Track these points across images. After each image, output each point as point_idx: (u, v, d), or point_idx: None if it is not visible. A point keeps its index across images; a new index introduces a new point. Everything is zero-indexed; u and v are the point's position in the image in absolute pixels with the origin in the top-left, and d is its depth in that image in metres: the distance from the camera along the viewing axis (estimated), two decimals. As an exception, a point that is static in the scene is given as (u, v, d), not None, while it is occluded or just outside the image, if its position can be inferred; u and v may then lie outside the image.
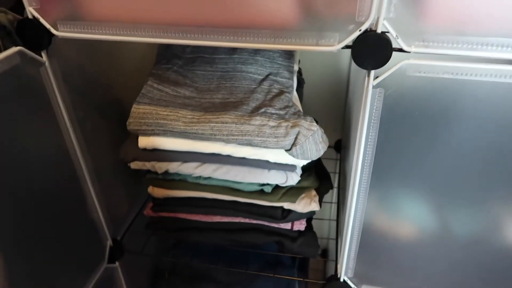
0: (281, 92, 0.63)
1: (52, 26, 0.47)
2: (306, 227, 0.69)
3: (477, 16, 0.37)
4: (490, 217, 0.53)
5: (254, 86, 0.64)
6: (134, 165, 0.67)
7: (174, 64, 0.67)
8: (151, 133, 0.61)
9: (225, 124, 0.58)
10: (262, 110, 0.59)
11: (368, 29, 0.40)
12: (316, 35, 0.41)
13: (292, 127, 0.57)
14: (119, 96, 0.70)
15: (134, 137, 0.65)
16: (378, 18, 0.39)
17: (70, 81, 0.56)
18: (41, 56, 0.49)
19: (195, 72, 0.67)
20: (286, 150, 0.58)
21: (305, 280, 0.72)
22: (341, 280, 0.63)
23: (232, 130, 0.57)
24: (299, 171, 0.64)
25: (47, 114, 0.54)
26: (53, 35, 0.47)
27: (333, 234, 0.76)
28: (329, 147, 0.96)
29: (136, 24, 0.45)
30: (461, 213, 0.54)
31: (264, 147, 0.58)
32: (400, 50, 0.40)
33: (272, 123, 0.57)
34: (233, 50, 0.69)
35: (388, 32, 0.40)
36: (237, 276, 0.85)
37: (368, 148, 0.49)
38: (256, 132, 0.57)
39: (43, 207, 0.54)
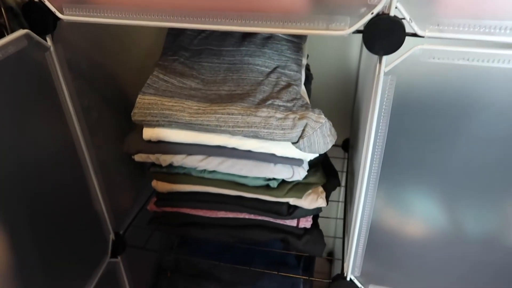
0: (288, 85, 0.61)
1: (58, 10, 0.46)
2: (312, 225, 0.67)
3: (495, -1, 0.36)
4: (506, 215, 0.51)
5: (261, 79, 0.63)
6: (138, 157, 0.66)
7: (180, 56, 0.66)
8: (156, 124, 0.60)
9: (231, 116, 0.56)
10: (269, 102, 0.58)
11: (381, 12, 0.38)
12: (326, 19, 0.40)
13: (300, 119, 0.55)
14: (125, 87, 0.70)
15: (138, 129, 0.64)
16: (391, 0, 0.38)
17: (75, 68, 0.55)
18: (46, 41, 0.49)
19: (201, 64, 0.66)
20: (293, 143, 0.57)
21: (310, 278, 0.70)
22: (348, 279, 0.61)
23: (238, 121, 0.56)
24: (306, 166, 0.63)
25: (52, 102, 0.53)
26: (58, 19, 0.47)
27: (339, 233, 0.75)
28: (336, 146, 0.96)
29: (143, 8, 0.44)
30: (475, 210, 0.52)
31: (271, 139, 0.56)
32: (414, 35, 0.39)
33: (279, 115, 0.56)
34: (241, 42, 0.68)
35: (403, 18, 0.38)
36: (240, 275, 0.84)
37: (378, 140, 0.48)
38: (262, 124, 0.56)
39: (45, 196, 0.53)
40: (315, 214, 0.67)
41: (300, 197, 0.63)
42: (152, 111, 0.59)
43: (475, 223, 0.53)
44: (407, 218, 0.56)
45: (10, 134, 0.45)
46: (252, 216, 0.67)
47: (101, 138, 0.65)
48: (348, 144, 0.95)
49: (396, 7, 0.38)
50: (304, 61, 0.69)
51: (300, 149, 0.56)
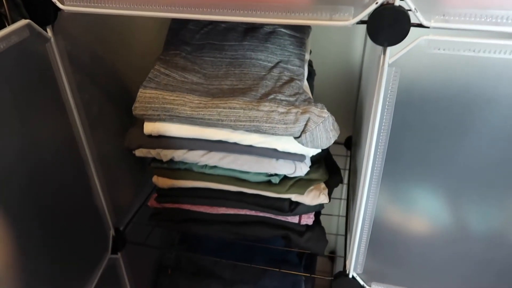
0: (291, 79, 0.61)
1: (58, 0, 0.45)
2: (314, 222, 0.66)
3: (502, -12, 0.35)
4: (511, 212, 0.50)
5: (264, 73, 0.62)
6: (139, 152, 0.66)
7: (182, 50, 0.66)
8: (157, 119, 0.60)
9: (232, 110, 0.56)
10: (271, 96, 0.57)
11: (385, 2, 0.38)
12: (329, 9, 0.39)
13: (302, 113, 0.55)
14: (126, 82, 0.69)
15: (139, 124, 0.64)
16: (396, -10, 0.37)
17: (76, 61, 0.55)
18: (47, 32, 0.48)
19: (203, 59, 0.66)
20: (295, 138, 0.56)
21: (312, 276, 0.69)
22: (350, 276, 0.60)
23: (240, 115, 0.56)
24: (308, 162, 0.62)
25: (52, 94, 0.52)
26: (59, 9, 0.46)
27: (341, 231, 0.74)
28: (339, 143, 0.95)
29: (144, -2, 0.44)
30: (479, 207, 0.51)
31: (273, 133, 0.56)
32: (419, 25, 0.38)
33: (281, 109, 0.55)
34: (243, 37, 0.68)
35: (408, 10, 0.38)
36: (242, 273, 0.83)
37: (381, 134, 0.47)
38: (264, 118, 0.55)
39: (45, 190, 0.52)
40: (317, 211, 0.66)
41: (302, 193, 0.62)
42: (153, 105, 0.58)
43: (479, 220, 0.53)
44: (410, 215, 0.55)
45: (11, 126, 0.44)
46: (253, 213, 0.67)
47: (102, 133, 0.64)
48: (351, 142, 0.95)
49: (401, -3, 0.37)
50: (307, 57, 0.68)
51: (303, 144, 0.56)
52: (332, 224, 0.96)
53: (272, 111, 0.55)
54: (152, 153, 0.65)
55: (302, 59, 0.65)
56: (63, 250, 0.56)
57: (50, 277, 0.53)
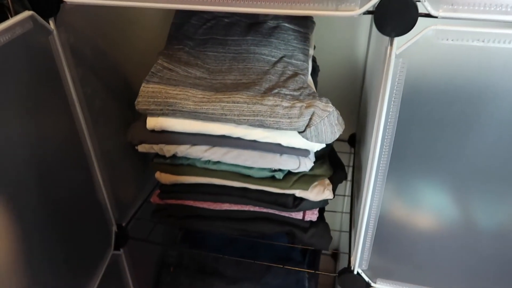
0: (295, 74, 0.60)
1: (61, -9, 0.45)
2: (318, 218, 0.66)
3: (513, -24, 0.34)
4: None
5: (267, 68, 0.62)
6: (142, 148, 0.65)
7: (185, 45, 0.65)
8: (159, 113, 0.59)
9: (236, 104, 0.55)
10: (275, 90, 0.57)
11: (393, -8, 0.37)
12: (336, -1, 0.39)
13: (307, 107, 0.54)
14: (128, 77, 0.69)
15: (142, 119, 0.63)
16: (403, -21, 0.36)
17: (79, 54, 0.54)
18: (49, 24, 0.48)
19: (206, 54, 0.65)
20: (300, 132, 0.55)
21: (316, 272, 0.69)
22: (355, 272, 0.59)
23: (243, 110, 0.55)
24: (312, 157, 0.61)
25: (55, 88, 0.52)
26: (61, 1, 0.46)
27: (345, 228, 0.73)
28: (342, 141, 0.95)
29: (147, -11, 0.43)
30: (487, 202, 0.51)
31: (277, 128, 0.55)
32: (427, 15, 0.37)
33: (285, 104, 0.55)
34: (247, 32, 0.67)
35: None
36: (245, 271, 0.82)
37: (388, 128, 0.46)
38: (268, 113, 0.54)
39: (47, 185, 0.51)
40: (322, 206, 0.65)
41: (306, 189, 0.62)
42: (156, 99, 0.58)
43: (487, 216, 0.52)
44: (416, 211, 0.55)
45: (13, 120, 0.44)
46: (257, 209, 0.66)
47: (105, 128, 0.64)
48: (354, 139, 0.94)
49: (408, -14, 0.36)
50: (311, 52, 0.67)
51: (307, 139, 0.55)
52: (335, 221, 0.95)
53: (276, 105, 0.55)
54: (155, 148, 0.64)
55: (306, 54, 0.65)
56: (66, 246, 0.56)
57: (52, 273, 0.53)
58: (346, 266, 0.62)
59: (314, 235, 0.65)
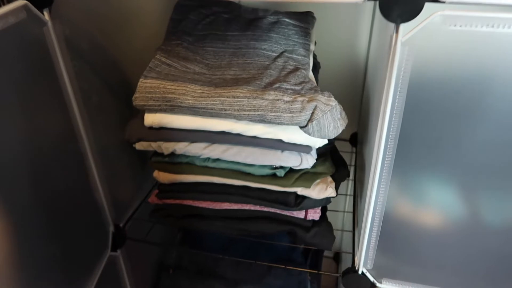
0: (296, 69, 0.59)
1: (55, -19, 0.44)
2: (320, 217, 0.64)
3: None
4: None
5: (268, 63, 0.60)
6: (139, 145, 0.64)
7: (184, 41, 0.64)
8: (158, 109, 0.58)
9: (236, 99, 0.54)
10: (276, 85, 0.55)
11: (398, -24, 0.36)
12: (339, -15, 0.37)
13: (309, 101, 0.53)
14: (126, 73, 0.67)
15: (140, 116, 0.62)
16: (409, -37, 0.35)
17: (74, 47, 0.53)
18: (43, 15, 0.46)
19: (205, 49, 0.64)
20: (302, 127, 0.54)
21: (320, 272, 0.67)
22: (360, 272, 0.57)
23: (244, 104, 0.54)
24: (314, 154, 0.60)
25: (50, 82, 0.50)
26: (56, -8, 0.45)
27: (347, 227, 0.71)
28: (344, 140, 0.93)
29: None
30: (497, 199, 0.49)
31: (278, 123, 0.53)
32: (434, 0, 0.36)
33: (286, 98, 0.53)
34: (246, 27, 0.66)
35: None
36: (245, 272, 0.81)
37: (393, 120, 0.45)
38: (269, 107, 0.53)
39: (42, 183, 0.50)
40: (324, 205, 0.64)
41: (309, 187, 0.60)
42: (154, 95, 0.57)
43: (495, 213, 0.50)
44: (423, 208, 0.53)
45: (7, 115, 0.42)
46: (257, 208, 0.64)
47: (102, 126, 0.62)
48: (356, 138, 0.93)
49: (415, -30, 0.35)
50: (312, 47, 0.66)
51: (309, 134, 0.54)
52: (337, 221, 0.93)
53: (277, 100, 0.53)
54: (153, 146, 0.63)
55: (307, 49, 0.63)
56: (62, 247, 0.54)
57: (47, 275, 0.51)
58: (349, 266, 0.60)
59: (317, 234, 0.63)
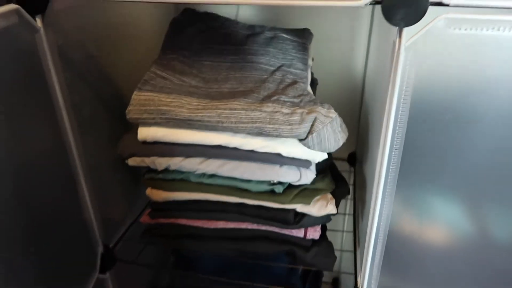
0: (294, 82, 0.58)
1: (48, -12, 0.43)
2: (320, 236, 0.61)
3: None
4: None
5: (266, 76, 0.59)
6: (132, 161, 0.61)
7: (180, 55, 0.63)
8: (152, 122, 0.56)
9: (233, 111, 0.52)
10: (275, 97, 0.54)
11: (401, -21, 0.35)
12: (341, -11, 0.37)
13: (308, 113, 0.51)
14: (120, 88, 0.65)
15: (133, 131, 0.60)
16: (412, -35, 0.35)
17: (67, 58, 0.51)
18: (36, 22, 0.45)
19: (202, 63, 0.63)
20: (301, 140, 0.52)
21: (321, 294, 0.63)
22: (363, 293, 0.54)
23: (241, 117, 0.52)
24: (313, 169, 0.58)
25: (40, 92, 0.48)
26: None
27: (347, 247, 0.68)
28: (342, 160, 0.91)
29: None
30: (506, 214, 0.47)
31: (277, 135, 0.52)
32: (438, 4, 0.35)
33: (285, 110, 0.52)
34: (243, 42, 0.65)
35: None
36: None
37: (398, 130, 0.43)
38: (268, 119, 0.51)
39: (28, 199, 0.47)
40: (324, 223, 0.61)
41: (308, 203, 0.58)
42: (148, 107, 0.55)
43: (505, 228, 0.48)
44: (429, 224, 0.51)
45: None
46: (255, 226, 0.62)
47: (93, 140, 0.60)
48: (354, 157, 0.91)
49: (418, -27, 0.35)
50: (310, 62, 0.66)
51: (309, 147, 0.52)
52: (336, 241, 0.90)
53: (276, 112, 0.52)
54: (146, 161, 0.60)
55: (305, 63, 0.63)
56: (47, 267, 0.51)
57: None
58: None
59: (317, 254, 0.60)
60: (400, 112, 0.42)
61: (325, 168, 0.65)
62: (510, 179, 0.44)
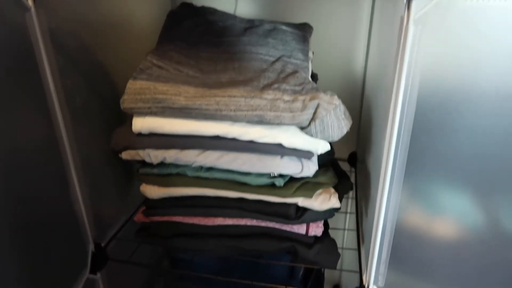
0: (295, 71, 0.56)
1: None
2: (323, 233, 0.58)
3: None
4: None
5: (265, 67, 0.58)
6: (126, 154, 0.59)
7: (177, 45, 0.61)
8: (147, 112, 0.53)
9: (232, 98, 0.50)
10: (275, 85, 0.52)
11: None
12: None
13: (311, 100, 0.49)
14: (114, 79, 0.63)
15: (128, 123, 0.57)
16: None
17: (60, 42, 0.49)
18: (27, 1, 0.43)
19: (199, 54, 0.61)
20: (303, 128, 0.50)
21: (324, 293, 0.60)
22: (369, 290, 0.51)
23: (240, 104, 0.50)
24: (315, 161, 0.56)
25: (30, 76, 0.46)
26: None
27: (349, 246, 0.66)
28: (342, 160, 0.89)
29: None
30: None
31: (278, 123, 0.50)
32: (448, -27, 0.34)
33: (287, 97, 0.50)
34: (242, 33, 0.64)
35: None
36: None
37: (406, 112, 0.41)
38: (268, 107, 0.49)
39: (16, 192, 0.44)
40: (327, 218, 0.58)
41: (310, 196, 0.55)
42: (143, 96, 0.53)
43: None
44: (438, 218, 0.48)
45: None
46: (254, 223, 0.59)
47: (86, 132, 0.57)
48: (354, 158, 0.89)
49: None
50: (310, 54, 0.64)
51: (312, 135, 0.50)
52: (337, 240, 0.87)
53: (277, 99, 0.50)
54: (141, 154, 0.58)
55: (305, 54, 0.61)
56: (32, 265, 0.47)
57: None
58: (357, 286, 0.54)
59: (320, 251, 0.57)
60: (408, 93, 0.40)
61: (326, 163, 0.62)
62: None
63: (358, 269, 0.57)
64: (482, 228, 0.47)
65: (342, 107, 0.50)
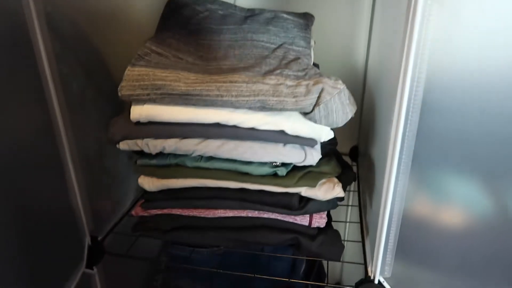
0: (297, 58, 0.55)
1: None
2: (326, 224, 0.57)
3: None
4: None
5: (267, 53, 0.56)
6: (124, 144, 0.57)
7: (176, 33, 0.60)
8: (146, 99, 0.52)
9: (234, 84, 0.49)
10: (278, 71, 0.51)
11: None
12: None
13: (314, 84, 0.48)
14: (112, 69, 0.62)
15: (126, 113, 0.56)
16: None
17: (56, 27, 0.48)
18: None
19: (199, 42, 0.60)
20: (306, 114, 0.49)
21: (328, 284, 0.59)
22: (376, 281, 0.50)
23: (242, 90, 0.48)
24: (319, 149, 0.54)
25: (25, 61, 0.45)
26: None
27: (352, 239, 0.64)
28: (344, 154, 0.88)
29: None
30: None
31: (281, 108, 0.48)
32: None
33: (289, 82, 0.49)
34: (243, 21, 0.62)
35: None
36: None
37: (414, 95, 0.40)
38: (271, 92, 0.48)
39: (10, 183, 0.42)
40: (331, 208, 0.57)
41: (314, 186, 0.54)
42: (142, 82, 0.51)
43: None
44: (446, 206, 0.47)
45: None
46: (256, 214, 0.57)
47: (82, 121, 0.56)
48: (356, 152, 0.88)
49: None
50: (312, 43, 0.63)
51: (315, 120, 0.48)
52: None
53: (280, 84, 0.48)
54: (139, 144, 0.56)
55: (308, 42, 0.60)
56: (29, 258, 0.46)
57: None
58: (362, 278, 0.53)
59: (323, 243, 0.56)
60: (417, 74, 0.39)
61: (329, 153, 0.61)
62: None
63: (362, 261, 0.55)
64: (491, 216, 0.46)
65: (346, 92, 0.49)
